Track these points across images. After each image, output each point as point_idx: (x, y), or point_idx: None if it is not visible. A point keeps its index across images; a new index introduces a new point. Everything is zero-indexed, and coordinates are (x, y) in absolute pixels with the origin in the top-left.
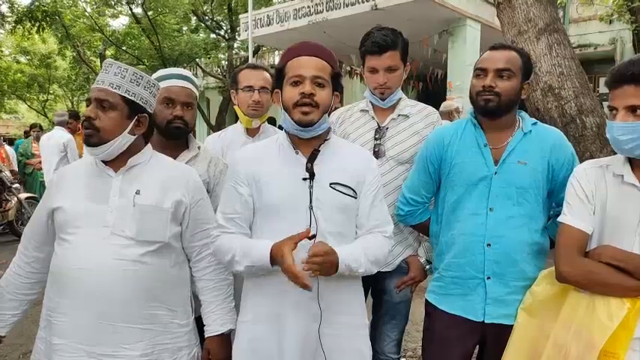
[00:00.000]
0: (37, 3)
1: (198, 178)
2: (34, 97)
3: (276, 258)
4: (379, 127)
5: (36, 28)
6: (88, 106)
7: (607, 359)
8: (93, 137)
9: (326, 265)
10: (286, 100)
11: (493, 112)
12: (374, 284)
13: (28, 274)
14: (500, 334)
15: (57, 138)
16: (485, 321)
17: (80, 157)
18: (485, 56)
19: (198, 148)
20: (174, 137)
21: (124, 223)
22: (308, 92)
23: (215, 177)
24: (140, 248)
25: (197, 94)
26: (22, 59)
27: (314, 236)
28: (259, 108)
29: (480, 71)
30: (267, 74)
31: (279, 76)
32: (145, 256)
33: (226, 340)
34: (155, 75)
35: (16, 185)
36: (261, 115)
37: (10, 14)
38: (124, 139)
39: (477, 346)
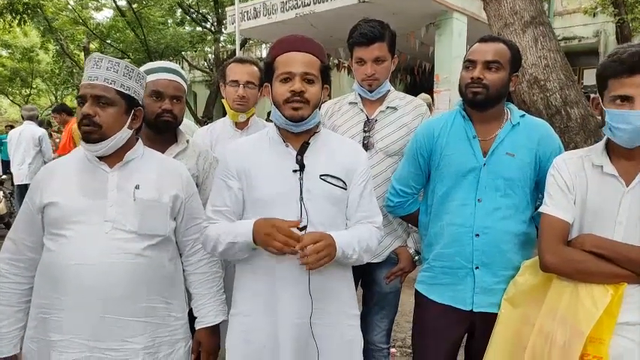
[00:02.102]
0: None
1: (188, 173)
2: (17, 91)
3: (262, 230)
4: (368, 119)
5: (17, 20)
6: (80, 104)
7: (593, 345)
8: (94, 134)
9: (328, 249)
10: (276, 96)
11: (481, 103)
12: (364, 275)
13: (29, 280)
14: (488, 322)
15: (30, 132)
16: (474, 310)
17: (62, 149)
18: (475, 48)
19: (187, 141)
20: (162, 131)
21: (125, 217)
22: (298, 90)
23: (204, 171)
24: (142, 242)
25: (186, 87)
26: (4, 53)
27: (305, 227)
28: (244, 103)
29: (469, 63)
30: (255, 68)
31: (267, 70)
32: (147, 250)
33: (217, 331)
34: (143, 68)
35: (4, 177)
36: (247, 110)
37: None
38: (124, 134)
39: (465, 335)
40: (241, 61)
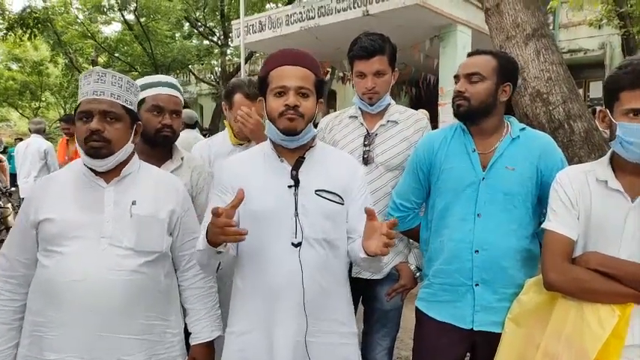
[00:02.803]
0: (28, 10)
1: (184, 188)
2: (26, 104)
3: (210, 226)
4: (368, 133)
5: (27, 35)
6: (83, 119)
7: None
8: (103, 149)
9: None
10: (270, 110)
11: (466, 115)
12: (365, 292)
13: (22, 296)
14: (490, 341)
15: (37, 146)
16: (474, 328)
17: (63, 163)
18: (461, 63)
19: (182, 158)
20: (161, 146)
21: (121, 233)
22: (292, 104)
23: (198, 186)
24: (139, 258)
25: (183, 101)
26: (14, 66)
27: (300, 244)
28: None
29: (455, 78)
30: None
31: (262, 84)
32: (143, 267)
33: (212, 346)
34: (141, 81)
35: (12, 189)
36: None
37: (2, 21)
38: (129, 148)
39: (469, 353)
40: (250, 97)
